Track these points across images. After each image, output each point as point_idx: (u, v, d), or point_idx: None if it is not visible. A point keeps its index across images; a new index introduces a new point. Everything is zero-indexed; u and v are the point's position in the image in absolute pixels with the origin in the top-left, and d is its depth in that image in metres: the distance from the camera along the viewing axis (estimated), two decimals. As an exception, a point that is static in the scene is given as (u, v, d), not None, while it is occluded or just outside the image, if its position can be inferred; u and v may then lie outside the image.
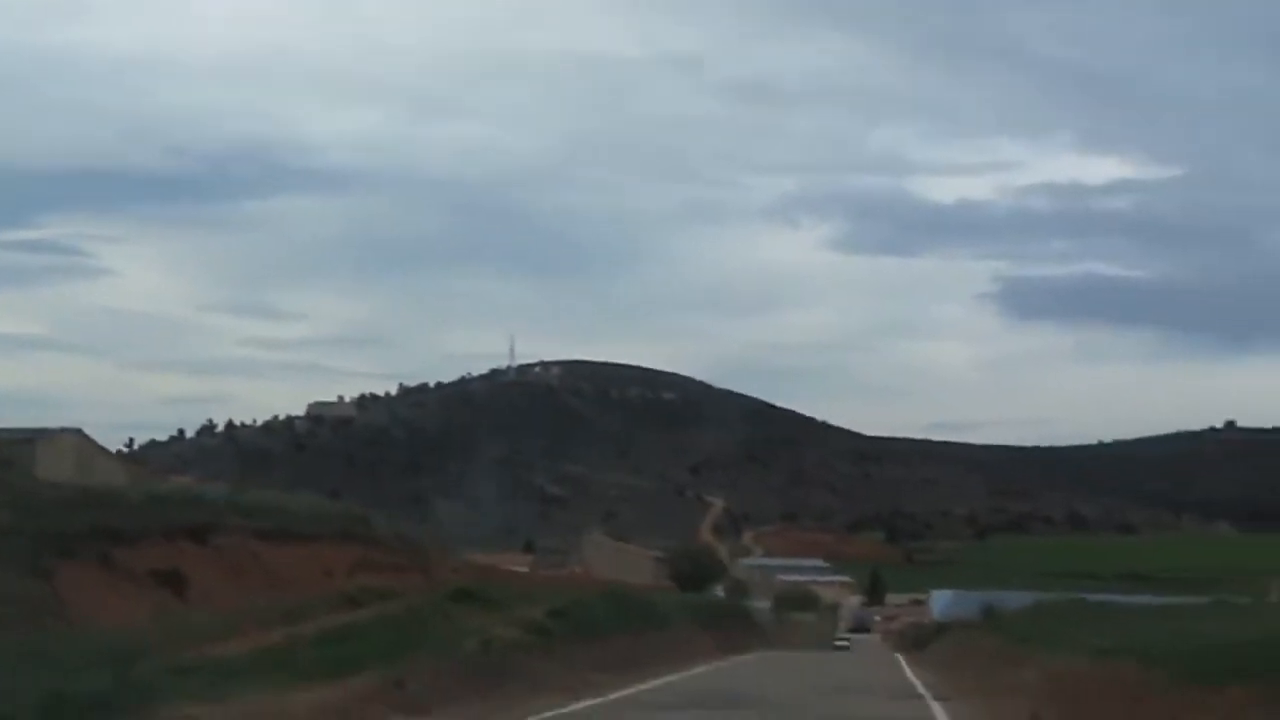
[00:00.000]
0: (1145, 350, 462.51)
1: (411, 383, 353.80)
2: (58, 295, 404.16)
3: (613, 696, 29.74)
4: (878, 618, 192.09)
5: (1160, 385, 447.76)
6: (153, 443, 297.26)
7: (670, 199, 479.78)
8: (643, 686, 33.20)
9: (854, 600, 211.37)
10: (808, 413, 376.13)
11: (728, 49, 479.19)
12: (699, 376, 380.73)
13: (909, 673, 45.15)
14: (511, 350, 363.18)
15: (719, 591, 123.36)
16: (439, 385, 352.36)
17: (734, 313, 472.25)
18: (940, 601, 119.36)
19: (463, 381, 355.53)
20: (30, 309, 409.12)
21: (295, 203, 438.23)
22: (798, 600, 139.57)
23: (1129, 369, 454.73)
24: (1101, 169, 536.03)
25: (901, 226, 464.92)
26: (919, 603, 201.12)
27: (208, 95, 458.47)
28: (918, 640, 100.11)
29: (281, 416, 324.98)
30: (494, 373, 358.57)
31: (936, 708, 29.64)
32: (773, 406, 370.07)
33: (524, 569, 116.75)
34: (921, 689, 35.79)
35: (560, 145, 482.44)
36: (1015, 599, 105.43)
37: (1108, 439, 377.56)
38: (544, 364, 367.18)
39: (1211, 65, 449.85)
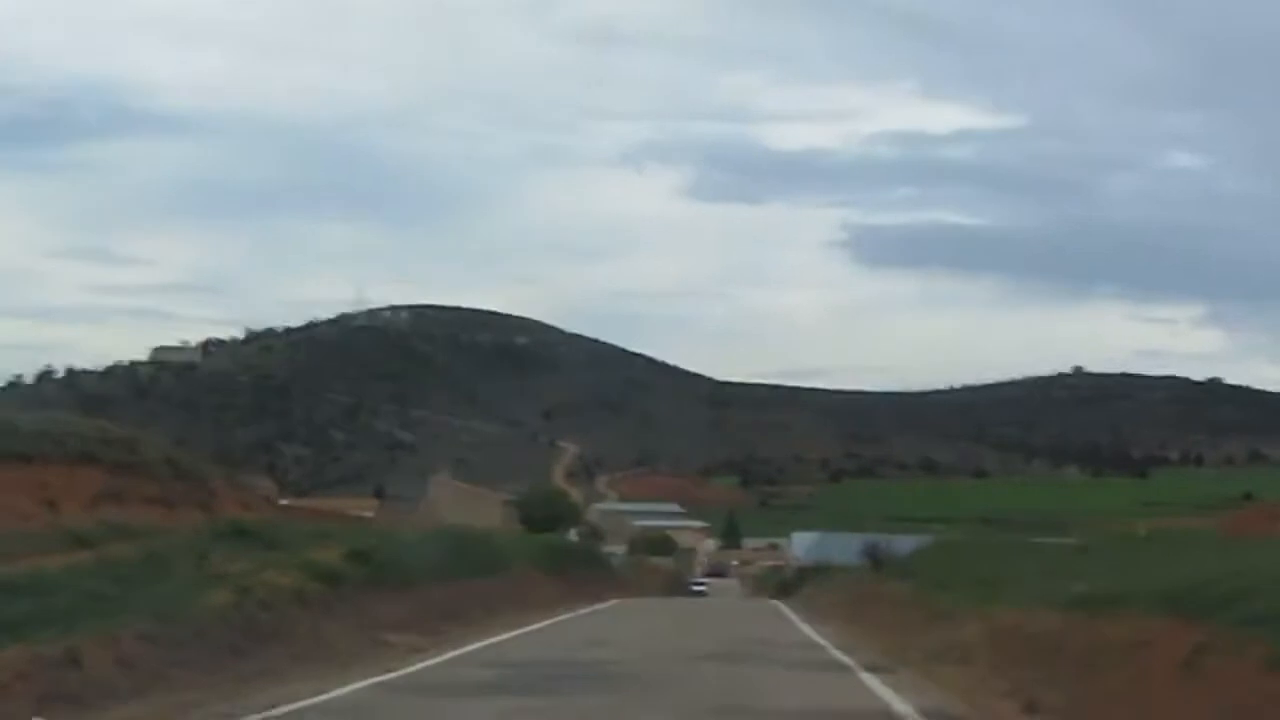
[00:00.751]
0: (991, 297, 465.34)
1: (258, 328, 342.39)
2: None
3: (406, 670, 21.04)
4: (735, 562, 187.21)
5: (1008, 331, 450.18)
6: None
7: (517, 144, 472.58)
8: (457, 651, 24.52)
9: (710, 545, 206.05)
10: (660, 357, 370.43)
11: None
12: (550, 322, 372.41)
13: (805, 628, 36.13)
14: (359, 295, 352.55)
15: (572, 536, 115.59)
16: (286, 330, 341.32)
17: (584, 259, 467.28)
18: (802, 544, 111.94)
19: (310, 327, 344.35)
20: None
21: (137, 146, 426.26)
22: (654, 545, 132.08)
23: (976, 315, 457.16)
24: (945, 117, 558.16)
25: (749, 174, 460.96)
26: (775, 547, 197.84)
27: (45, 36, 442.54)
28: (782, 585, 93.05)
29: (124, 362, 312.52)
30: (342, 318, 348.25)
31: (881, 688, 19.78)
32: (625, 351, 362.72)
33: (368, 514, 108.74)
34: (837, 652, 26.57)
35: (406, 89, 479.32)
36: (898, 541, 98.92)
37: (957, 384, 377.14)
38: (393, 309, 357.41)
39: (1052, 13, 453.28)
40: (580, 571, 59.34)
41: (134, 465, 35.84)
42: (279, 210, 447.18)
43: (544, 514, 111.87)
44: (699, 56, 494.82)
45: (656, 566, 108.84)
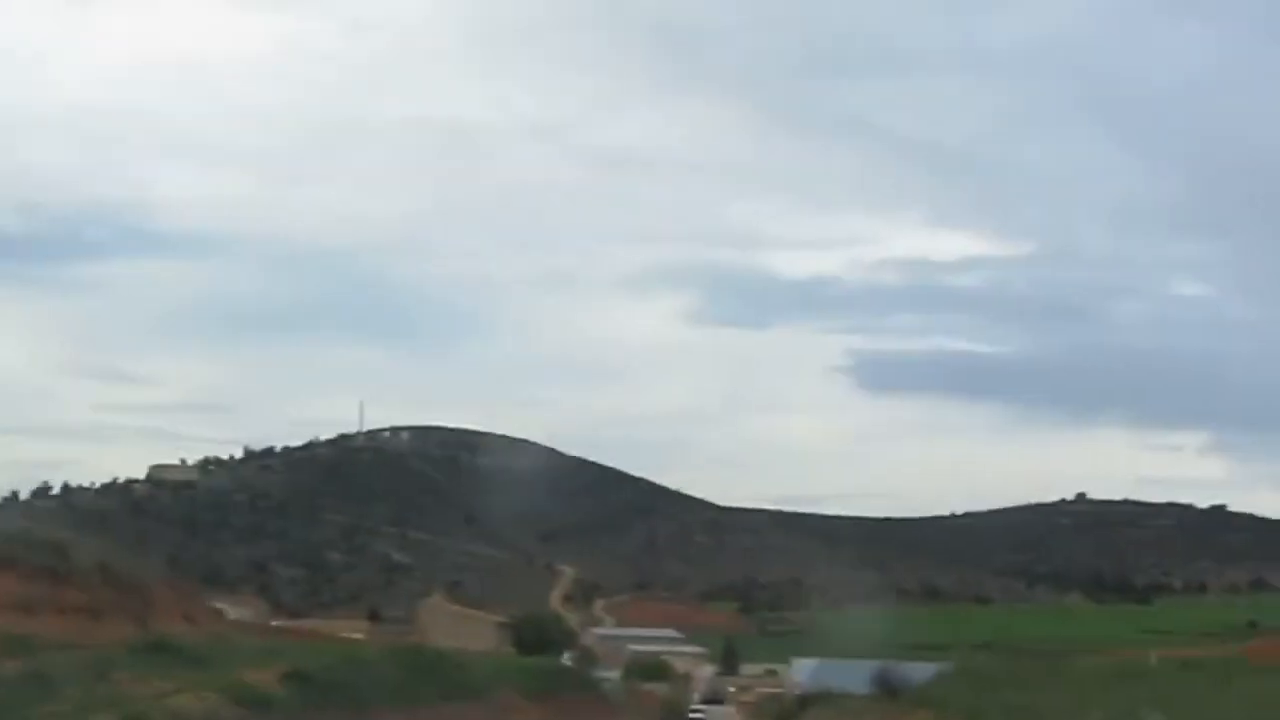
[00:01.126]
0: (995, 423, 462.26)
1: (258, 447, 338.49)
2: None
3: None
4: (732, 688, 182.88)
5: (1010, 459, 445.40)
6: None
7: (525, 267, 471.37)
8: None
9: (707, 670, 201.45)
10: (661, 482, 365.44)
11: (584, 117, 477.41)
12: (551, 445, 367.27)
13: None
14: (361, 415, 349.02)
15: (566, 660, 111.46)
16: (285, 450, 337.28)
17: (587, 383, 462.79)
18: (802, 670, 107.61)
19: (310, 446, 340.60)
20: None
21: (147, 266, 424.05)
22: (649, 670, 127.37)
23: (979, 442, 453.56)
24: (950, 245, 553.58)
25: (754, 300, 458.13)
26: (773, 673, 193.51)
27: (62, 155, 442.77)
28: (782, 715, 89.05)
29: (121, 479, 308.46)
30: (342, 438, 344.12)
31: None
32: (626, 475, 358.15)
33: (359, 636, 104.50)
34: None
35: (416, 212, 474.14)
36: (908, 668, 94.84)
37: (960, 511, 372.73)
38: (394, 429, 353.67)
39: (1059, 142, 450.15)
40: (569, 695, 55.57)
41: (59, 572, 32.16)
42: (287, 332, 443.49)
43: (537, 637, 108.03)
44: (707, 182, 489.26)
45: (651, 692, 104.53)
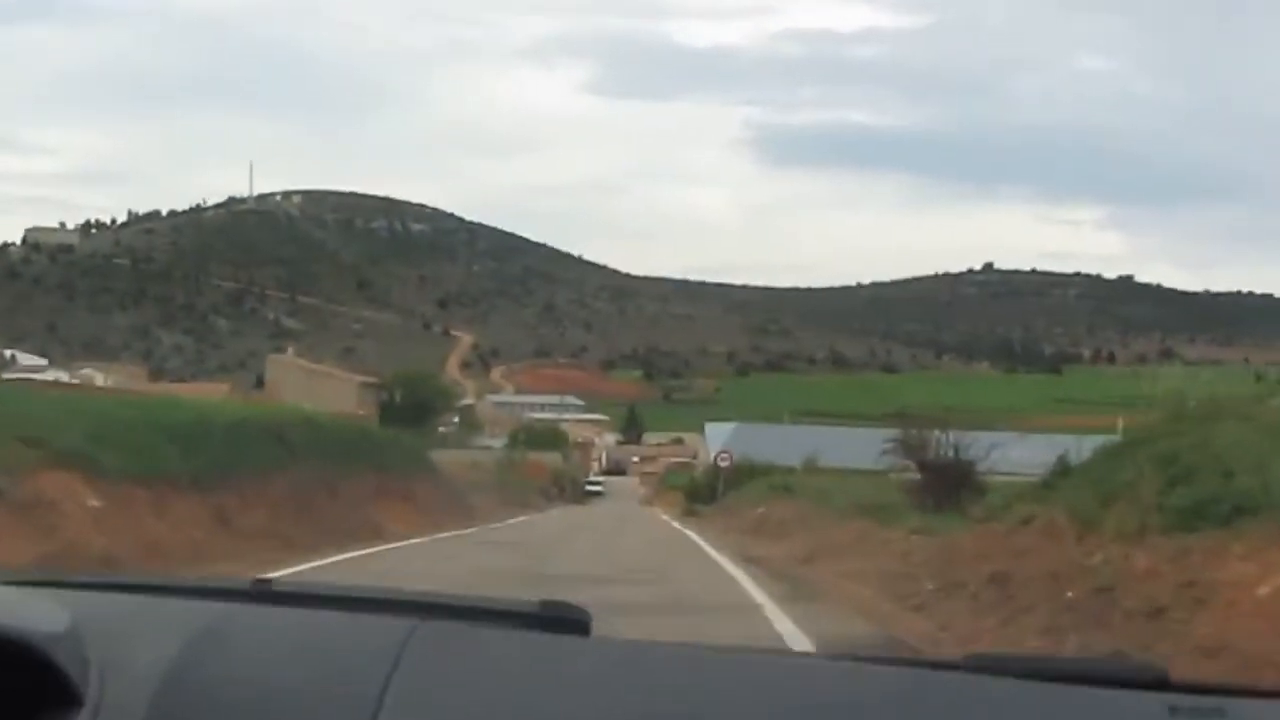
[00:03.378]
0: (898, 197, 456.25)
1: (142, 211, 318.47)
2: None
3: None
4: (635, 459, 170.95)
5: (914, 231, 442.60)
6: None
7: (422, 37, 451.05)
8: None
9: (609, 439, 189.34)
10: (562, 248, 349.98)
11: None
12: (450, 209, 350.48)
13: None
14: (250, 178, 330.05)
15: (442, 429, 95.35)
16: (171, 214, 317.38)
17: (488, 153, 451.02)
18: (718, 437, 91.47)
19: (196, 210, 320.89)
20: None
21: (34, 31, 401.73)
22: (539, 438, 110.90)
23: (883, 215, 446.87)
24: (852, 16, 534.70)
25: (656, 70, 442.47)
26: (680, 441, 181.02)
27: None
28: (693, 491, 73.50)
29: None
30: (230, 202, 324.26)
31: None
32: (526, 240, 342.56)
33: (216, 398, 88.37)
34: None
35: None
36: (843, 433, 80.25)
37: (866, 281, 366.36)
38: (285, 194, 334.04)
39: None
40: (401, 477, 38.71)
41: None
42: (179, 102, 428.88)
43: (409, 400, 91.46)
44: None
45: (540, 465, 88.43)
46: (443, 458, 58.26)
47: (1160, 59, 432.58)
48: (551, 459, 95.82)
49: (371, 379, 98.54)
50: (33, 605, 2.05)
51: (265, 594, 2.37)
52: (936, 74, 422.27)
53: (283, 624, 2.14)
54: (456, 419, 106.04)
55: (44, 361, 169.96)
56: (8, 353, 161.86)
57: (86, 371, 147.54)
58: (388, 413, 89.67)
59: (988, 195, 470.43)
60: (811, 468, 63.92)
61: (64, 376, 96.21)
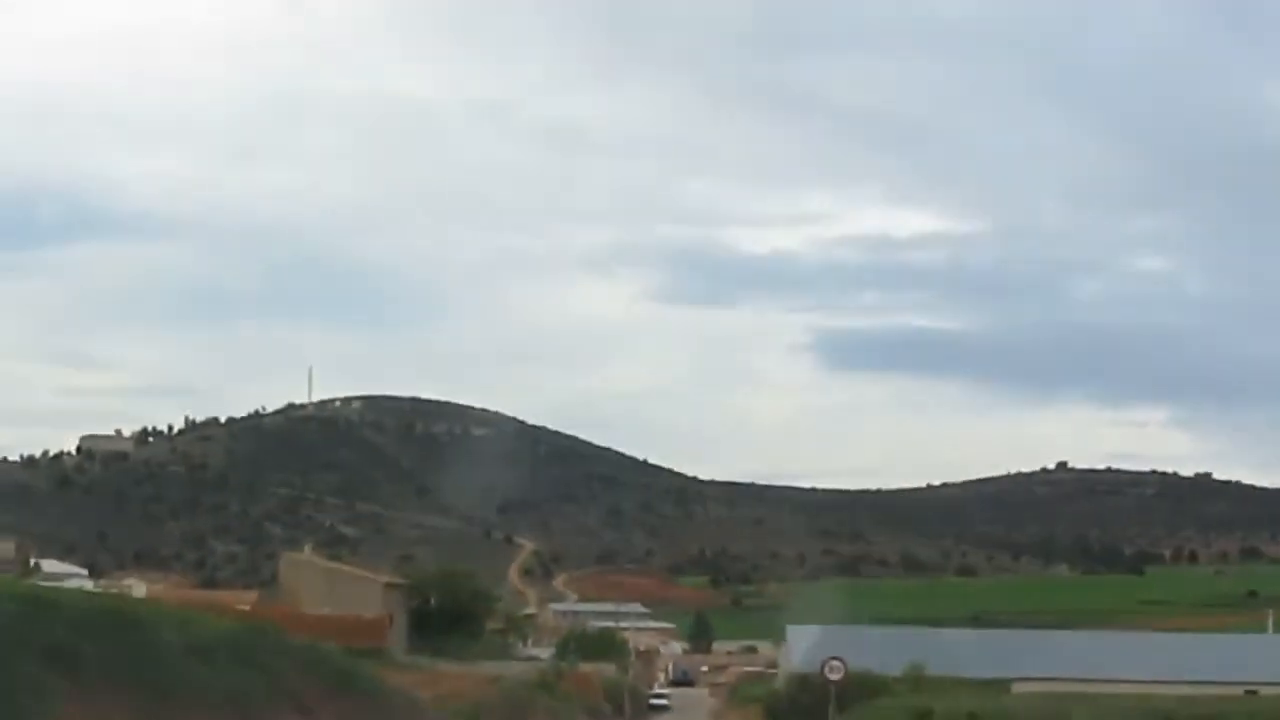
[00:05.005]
0: (960, 400, 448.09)
1: (198, 416, 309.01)
2: None
3: None
4: (704, 668, 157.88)
5: (979, 434, 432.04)
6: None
7: (483, 247, 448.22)
8: None
9: (675, 648, 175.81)
10: (627, 451, 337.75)
11: (537, 95, 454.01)
12: (511, 414, 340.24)
13: None
14: (310, 383, 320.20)
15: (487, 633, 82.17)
16: (230, 421, 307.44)
17: (550, 361, 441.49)
18: (804, 641, 77.72)
19: (255, 417, 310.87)
20: None
21: (99, 248, 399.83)
22: (591, 645, 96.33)
23: (946, 418, 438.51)
24: (909, 221, 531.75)
25: (717, 277, 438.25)
26: (753, 650, 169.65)
27: (7, 136, 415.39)
28: (773, 710, 59.98)
29: (51, 451, 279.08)
30: (290, 408, 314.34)
31: None
32: (590, 445, 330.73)
33: (245, 606, 76.48)
34: None
35: (369, 191, 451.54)
36: (951, 637, 67.51)
37: (936, 482, 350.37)
38: (345, 399, 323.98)
39: (1016, 118, 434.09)
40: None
41: None
42: (238, 312, 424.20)
43: (445, 603, 78.32)
44: (662, 160, 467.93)
45: (589, 676, 74.32)
46: (471, 670, 45.20)
47: (1216, 258, 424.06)
48: (606, 670, 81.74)
49: (399, 579, 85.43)
50: None
51: None
52: (994, 278, 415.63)
53: None
54: (501, 625, 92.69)
55: (83, 571, 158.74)
56: (32, 561, 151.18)
57: (129, 581, 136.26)
58: (419, 619, 76.94)
59: (1051, 397, 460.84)
60: (917, 676, 51.61)
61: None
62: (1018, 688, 61.02)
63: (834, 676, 51.11)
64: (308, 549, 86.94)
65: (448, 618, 76.76)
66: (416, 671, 52.30)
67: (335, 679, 26.97)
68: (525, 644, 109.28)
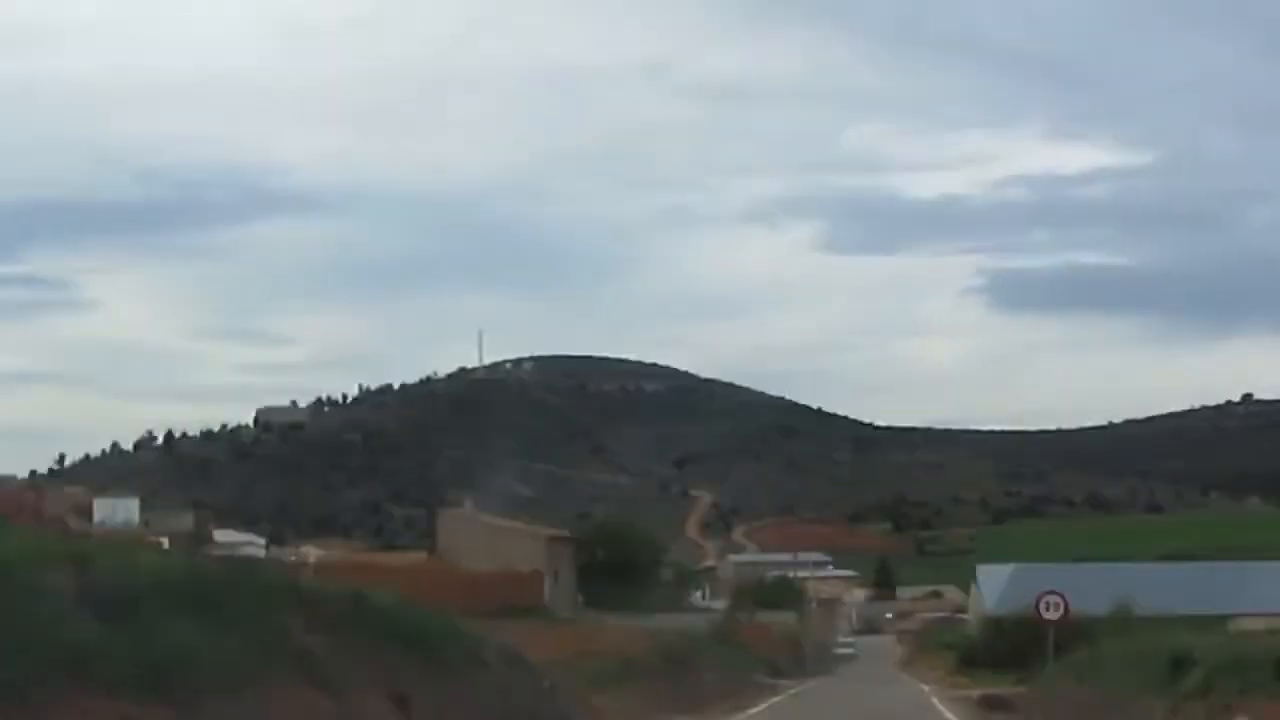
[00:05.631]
0: (1137, 336, 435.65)
1: (372, 385, 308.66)
2: (46, 328, 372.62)
3: None
4: (889, 615, 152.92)
5: (1159, 369, 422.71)
6: (86, 459, 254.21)
7: (645, 206, 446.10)
8: None
9: (859, 595, 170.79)
10: (802, 401, 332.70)
11: (690, 52, 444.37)
12: (684, 368, 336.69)
13: None
14: (480, 347, 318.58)
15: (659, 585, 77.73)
16: (402, 387, 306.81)
17: (718, 316, 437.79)
18: (995, 583, 72.15)
19: (427, 383, 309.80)
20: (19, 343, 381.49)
21: (269, 226, 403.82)
22: (768, 595, 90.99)
23: (1124, 356, 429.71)
24: (1075, 158, 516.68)
25: (882, 225, 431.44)
26: (938, 595, 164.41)
27: (173, 121, 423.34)
28: (971, 652, 54.65)
29: (230, 425, 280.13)
30: (461, 372, 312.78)
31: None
32: (764, 395, 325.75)
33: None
34: None
35: (530, 157, 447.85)
36: (1154, 572, 62.07)
37: (1118, 419, 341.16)
38: (516, 361, 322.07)
39: (1173, 45, 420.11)
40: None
41: None
42: (410, 285, 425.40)
43: (613, 556, 73.93)
44: (821, 109, 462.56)
45: (766, 629, 69.41)
46: (637, 624, 40.55)
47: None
48: (785, 620, 76.65)
49: (562, 533, 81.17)
50: None
51: None
52: (1165, 211, 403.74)
53: None
54: (674, 577, 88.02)
55: (260, 540, 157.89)
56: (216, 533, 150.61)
57: (305, 549, 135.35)
58: (588, 573, 72.68)
59: (1231, 329, 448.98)
60: (1125, 616, 46.16)
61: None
62: (1235, 625, 55.30)
63: (1051, 615, 43.81)
64: (468, 504, 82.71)
65: (616, 571, 72.47)
66: (575, 626, 48.18)
67: (378, 633, 21.11)
68: (702, 595, 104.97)
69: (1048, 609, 43.53)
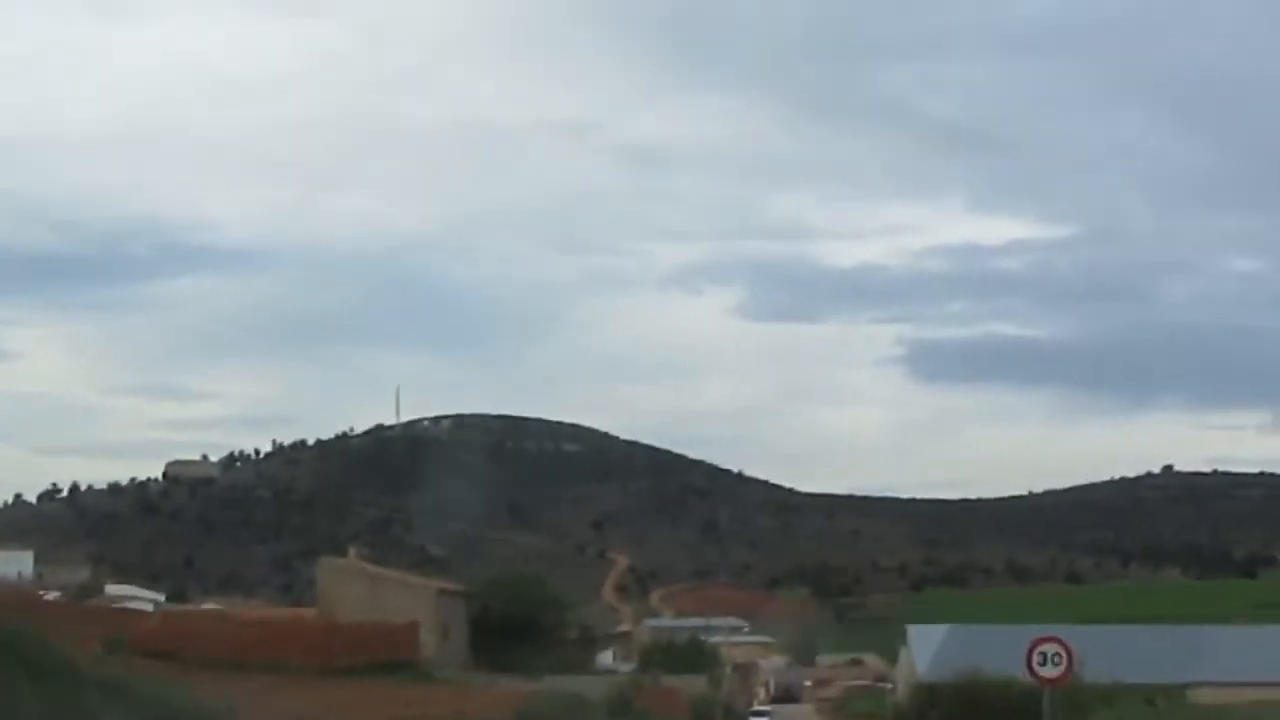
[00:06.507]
0: (1055, 408, 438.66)
1: (286, 440, 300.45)
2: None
3: None
4: (808, 683, 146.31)
5: (1076, 441, 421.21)
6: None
7: (568, 268, 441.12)
8: None
9: (777, 661, 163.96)
10: (722, 464, 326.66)
11: (617, 114, 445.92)
12: (603, 429, 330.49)
13: None
14: (397, 403, 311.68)
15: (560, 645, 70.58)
16: (318, 443, 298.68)
17: (638, 382, 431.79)
18: (927, 645, 65.36)
19: (342, 439, 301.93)
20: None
21: (188, 281, 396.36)
22: (678, 657, 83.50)
23: (1041, 427, 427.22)
24: (995, 229, 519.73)
25: (803, 292, 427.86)
26: (859, 662, 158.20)
27: (94, 173, 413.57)
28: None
29: (139, 478, 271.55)
30: (378, 429, 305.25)
31: None
32: (684, 458, 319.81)
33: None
34: None
35: (453, 215, 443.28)
36: (1105, 636, 56.10)
37: (1038, 489, 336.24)
38: (434, 419, 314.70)
39: (1093, 118, 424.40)
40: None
41: None
42: (332, 340, 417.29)
43: (511, 611, 66.90)
44: (744, 175, 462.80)
45: (672, 692, 62.31)
46: (524, 687, 33.52)
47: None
48: (696, 685, 69.30)
49: (454, 586, 74.16)
50: None
51: None
52: (1083, 283, 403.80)
53: None
54: (577, 636, 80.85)
55: (154, 595, 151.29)
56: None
57: (208, 606, 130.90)
58: (482, 630, 65.74)
59: (1147, 401, 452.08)
60: (1076, 685, 40.18)
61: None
62: (1193, 694, 49.12)
63: (1050, 673, 30.14)
64: (352, 552, 75.55)
65: (515, 629, 65.53)
66: (448, 686, 41.36)
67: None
68: (613, 657, 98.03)
69: (1044, 663, 30.23)
